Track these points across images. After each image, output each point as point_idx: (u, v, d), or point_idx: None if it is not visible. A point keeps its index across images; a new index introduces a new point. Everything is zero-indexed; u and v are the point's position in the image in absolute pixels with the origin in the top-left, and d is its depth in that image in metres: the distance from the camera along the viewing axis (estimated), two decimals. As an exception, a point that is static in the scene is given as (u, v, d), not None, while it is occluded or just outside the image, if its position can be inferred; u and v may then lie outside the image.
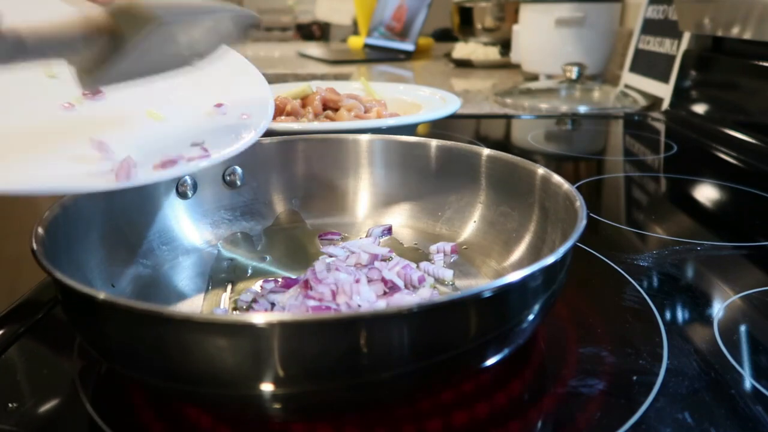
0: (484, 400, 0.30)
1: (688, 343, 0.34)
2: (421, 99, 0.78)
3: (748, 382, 0.31)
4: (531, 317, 0.28)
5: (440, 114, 0.67)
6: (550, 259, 0.27)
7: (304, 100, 0.68)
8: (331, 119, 0.66)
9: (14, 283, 0.44)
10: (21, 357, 0.33)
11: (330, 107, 0.68)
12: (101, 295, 0.24)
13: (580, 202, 0.33)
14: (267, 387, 0.24)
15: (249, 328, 0.22)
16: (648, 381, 0.30)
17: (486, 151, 0.45)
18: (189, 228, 0.44)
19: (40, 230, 0.30)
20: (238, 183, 0.47)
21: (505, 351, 0.28)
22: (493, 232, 0.43)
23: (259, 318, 0.22)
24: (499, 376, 0.31)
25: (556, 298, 0.31)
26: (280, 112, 0.66)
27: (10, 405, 0.29)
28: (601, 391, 0.30)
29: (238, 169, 0.47)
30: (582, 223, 0.31)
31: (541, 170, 0.40)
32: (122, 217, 0.39)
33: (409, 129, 0.65)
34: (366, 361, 0.23)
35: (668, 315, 0.37)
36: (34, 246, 0.28)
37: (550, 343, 0.34)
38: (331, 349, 0.23)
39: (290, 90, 0.70)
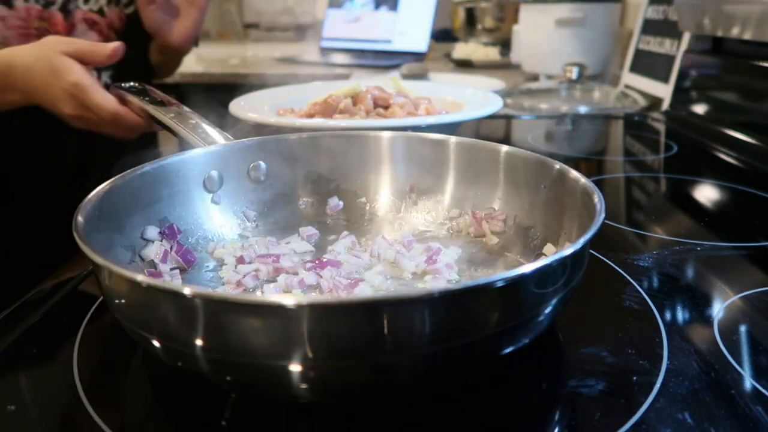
0: (484, 399, 0.30)
1: (688, 344, 0.34)
2: (458, 97, 0.79)
3: (748, 382, 0.31)
4: (548, 309, 0.28)
5: (486, 111, 0.69)
6: (568, 251, 0.27)
7: (354, 99, 0.70)
8: (383, 116, 0.67)
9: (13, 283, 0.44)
10: (21, 357, 0.33)
11: (380, 105, 0.70)
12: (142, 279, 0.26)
13: (598, 197, 0.33)
14: (295, 366, 0.25)
15: (280, 309, 0.23)
16: (648, 381, 0.30)
17: (504, 148, 0.45)
18: (219, 219, 0.45)
19: (80, 218, 0.32)
20: (262, 178, 0.47)
21: (523, 340, 0.28)
22: (513, 227, 0.44)
23: (289, 300, 0.23)
24: (499, 376, 0.31)
25: (575, 291, 0.30)
26: (333, 110, 0.68)
27: (10, 406, 0.29)
28: (601, 391, 0.30)
29: (262, 165, 0.47)
30: (601, 216, 0.31)
31: (557, 165, 0.40)
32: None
33: (451, 127, 0.65)
34: (389, 343, 0.24)
35: (668, 315, 0.37)
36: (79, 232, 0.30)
37: (550, 343, 0.34)
38: (358, 329, 0.24)
39: (341, 89, 0.71)
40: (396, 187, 0.50)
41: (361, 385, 0.27)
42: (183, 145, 0.47)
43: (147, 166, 0.40)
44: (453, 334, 0.25)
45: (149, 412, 0.30)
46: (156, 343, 0.27)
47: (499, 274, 0.25)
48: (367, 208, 0.49)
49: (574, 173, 0.38)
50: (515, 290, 0.26)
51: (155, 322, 0.27)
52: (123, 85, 0.56)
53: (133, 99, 0.54)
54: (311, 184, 0.49)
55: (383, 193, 0.50)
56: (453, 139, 0.48)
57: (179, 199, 0.42)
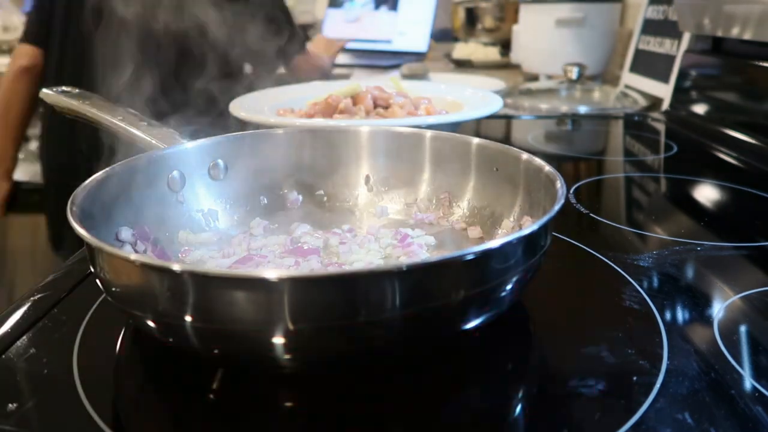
0: (484, 399, 0.30)
1: (688, 344, 0.34)
2: (458, 97, 0.79)
3: (748, 382, 0.31)
4: (506, 285, 0.30)
5: (486, 111, 0.69)
6: (525, 231, 0.29)
7: (354, 99, 0.70)
8: (383, 116, 0.67)
9: (13, 284, 0.44)
10: (21, 357, 0.33)
11: (379, 105, 0.70)
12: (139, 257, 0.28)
13: (560, 182, 0.35)
14: (278, 336, 0.26)
15: (264, 282, 0.25)
16: (648, 381, 0.30)
17: (476, 140, 0.47)
18: (185, 219, 0.45)
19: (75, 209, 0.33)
20: (222, 176, 0.48)
21: (484, 316, 0.30)
22: (481, 216, 0.46)
23: (271, 273, 0.25)
24: (499, 376, 0.31)
25: (534, 272, 0.32)
26: (333, 110, 0.69)
27: (10, 405, 0.29)
28: (601, 391, 0.30)
29: (221, 163, 0.48)
30: (561, 200, 0.33)
31: (524, 156, 0.42)
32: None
33: (451, 127, 0.66)
34: (363, 313, 0.26)
35: (668, 315, 0.37)
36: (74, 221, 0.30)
37: (550, 343, 0.34)
38: (335, 299, 0.26)
39: (341, 89, 0.71)
40: (358, 180, 0.51)
41: (338, 354, 0.29)
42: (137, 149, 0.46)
43: (117, 167, 0.40)
44: (420, 302, 0.27)
45: (150, 412, 0.30)
46: (149, 321, 0.29)
47: (461, 250, 0.27)
48: (326, 200, 0.50)
49: (539, 161, 0.40)
50: (475, 264, 0.28)
51: (148, 299, 0.28)
52: (56, 89, 0.51)
53: (73, 104, 0.50)
54: (270, 180, 0.50)
55: (347, 186, 0.51)
56: (428, 133, 0.49)
57: (146, 200, 0.42)
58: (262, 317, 0.26)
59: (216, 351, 0.29)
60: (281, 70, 1.34)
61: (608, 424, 0.27)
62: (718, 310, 0.38)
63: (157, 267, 0.27)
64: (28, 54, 1.18)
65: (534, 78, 1.35)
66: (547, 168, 0.39)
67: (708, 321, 0.36)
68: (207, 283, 0.26)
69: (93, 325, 0.36)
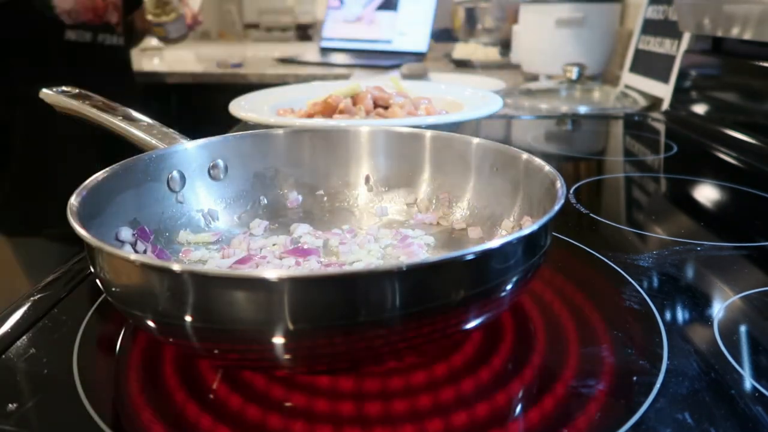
0: (484, 400, 0.30)
1: (688, 344, 0.34)
2: (458, 97, 0.79)
3: (748, 382, 0.31)
4: (506, 285, 0.30)
5: (486, 111, 0.69)
6: (525, 231, 0.29)
7: (354, 99, 0.70)
8: (383, 116, 0.67)
9: (12, 283, 0.44)
10: (21, 357, 0.33)
11: (379, 105, 0.70)
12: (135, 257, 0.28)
13: (560, 182, 0.35)
14: (278, 336, 0.26)
15: (263, 282, 0.25)
16: (648, 381, 0.30)
17: (476, 140, 0.47)
18: (185, 219, 0.45)
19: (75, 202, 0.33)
20: (222, 176, 0.48)
21: (484, 315, 0.31)
22: (481, 216, 0.45)
23: (271, 273, 0.25)
24: (499, 376, 0.31)
25: (534, 272, 0.32)
26: (333, 110, 0.69)
27: (10, 405, 0.29)
28: (601, 391, 0.30)
29: (221, 163, 0.48)
30: (561, 200, 0.32)
31: (524, 156, 0.42)
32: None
33: (449, 126, 0.66)
34: (363, 312, 0.26)
35: (668, 315, 0.37)
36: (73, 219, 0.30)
37: (550, 343, 0.34)
38: (335, 299, 0.26)
39: (340, 89, 0.71)
40: (359, 180, 0.51)
41: (338, 354, 0.29)
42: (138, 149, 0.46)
43: (117, 167, 0.40)
44: (420, 302, 0.27)
45: (150, 412, 0.29)
46: (149, 322, 0.29)
47: (461, 250, 0.27)
48: (326, 200, 0.50)
49: (538, 161, 0.40)
50: (475, 264, 0.28)
51: (148, 299, 0.28)
52: (56, 89, 0.51)
53: (73, 104, 0.49)
54: (270, 180, 0.50)
55: (347, 186, 0.51)
56: (428, 133, 0.49)
57: (146, 200, 0.42)
58: (262, 317, 0.26)
59: (216, 351, 0.29)
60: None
61: (608, 424, 0.27)
62: (718, 310, 0.38)
63: (157, 267, 0.27)
64: None
65: (534, 78, 1.35)
66: (547, 168, 0.39)
67: (708, 321, 0.36)
68: (207, 283, 0.26)
69: (93, 325, 0.36)
